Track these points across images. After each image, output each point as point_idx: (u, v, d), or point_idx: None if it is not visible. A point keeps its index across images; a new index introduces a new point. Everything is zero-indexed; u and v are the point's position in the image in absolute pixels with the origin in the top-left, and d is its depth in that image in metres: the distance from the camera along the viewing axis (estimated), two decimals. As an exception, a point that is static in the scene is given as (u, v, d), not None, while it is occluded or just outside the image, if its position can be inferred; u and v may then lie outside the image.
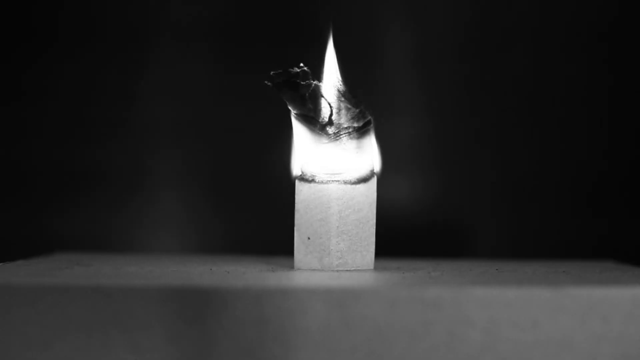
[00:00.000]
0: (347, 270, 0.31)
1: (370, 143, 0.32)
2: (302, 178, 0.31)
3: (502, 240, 0.47)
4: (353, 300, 0.25)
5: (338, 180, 0.31)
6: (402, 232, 0.46)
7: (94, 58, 0.46)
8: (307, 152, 0.31)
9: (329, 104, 0.31)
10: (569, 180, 0.47)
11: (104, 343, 0.25)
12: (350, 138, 0.31)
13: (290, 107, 0.31)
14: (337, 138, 0.31)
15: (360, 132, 0.31)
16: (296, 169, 0.32)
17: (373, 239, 0.32)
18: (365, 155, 0.31)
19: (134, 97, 0.47)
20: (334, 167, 0.31)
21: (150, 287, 0.25)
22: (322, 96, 0.31)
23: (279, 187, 0.47)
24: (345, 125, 0.31)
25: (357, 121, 0.31)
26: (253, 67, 0.47)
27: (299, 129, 0.32)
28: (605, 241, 0.47)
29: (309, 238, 0.31)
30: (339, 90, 0.31)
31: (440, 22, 0.47)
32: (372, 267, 0.32)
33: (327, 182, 0.31)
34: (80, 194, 0.46)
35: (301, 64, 0.31)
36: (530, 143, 0.47)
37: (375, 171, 0.32)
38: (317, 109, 0.31)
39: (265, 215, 0.47)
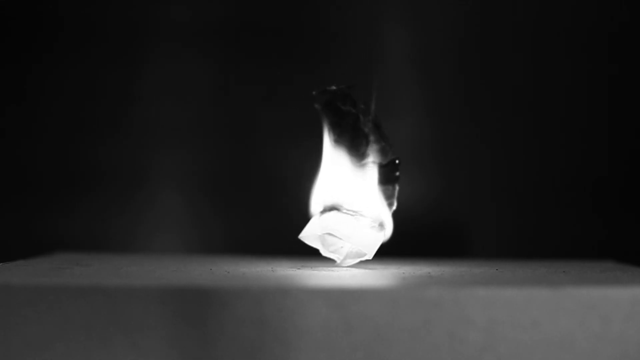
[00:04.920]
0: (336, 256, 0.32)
1: (392, 191, 0.32)
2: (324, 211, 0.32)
3: (502, 240, 0.47)
4: (353, 300, 0.25)
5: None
6: (402, 232, 0.46)
7: (94, 58, 0.46)
8: (333, 181, 0.32)
9: (366, 135, 0.31)
10: (570, 180, 0.47)
11: (104, 343, 0.25)
12: (376, 170, 0.32)
13: (329, 134, 0.32)
14: (366, 165, 0.32)
15: (384, 169, 0.32)
16: (318, 200, 0.32)
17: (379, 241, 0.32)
18: (382, 202, 0.32)
19: (134, 97, 0.47)
20: (354, 204, 0.32)
21: (150, 287, 0.25)
22: (361, 126, 0.31)
23: (279, 187, 0.47)
24: (371, 159, 0.32)
25: (382, 156, 0.32)
26: (253, 67, 0.47)
27: (332, 155, 0.32)
28: (606, 241, 0.47)
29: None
30: (371, 121, 0.32)
31: (441, 22, 0.47)
32: (370, 257, 0.32)
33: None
34: (80, 194, 0.46)
35: (342, 85, 0.31)
36: (530, 143, 0.47)
37: (384, 230, 0.32)
38: (355, 137, 0.32)
39: (266, 216, 0.47)
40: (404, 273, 0.30)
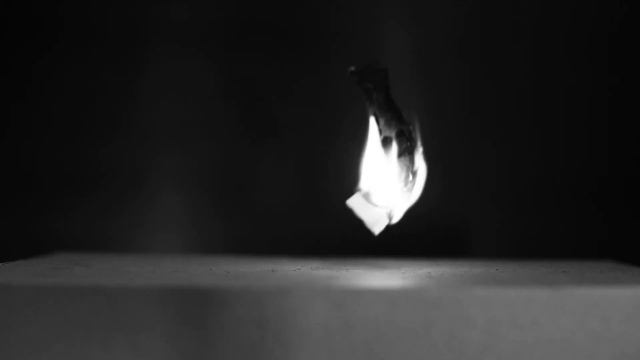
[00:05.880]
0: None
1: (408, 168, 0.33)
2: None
3: (502, 240, 0.47)
4: (353, 300, 0.25)
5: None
6: (402, 232, 0.46)
7: (94, 58, 0.46)
8: (370, 161, 0.33)
9: (380, 118, 0.32)
10: (570, 181, 0.47)
11: (104, 343, 0.25)
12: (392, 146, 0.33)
13: (370, 114, 0.33)
14: (387, 144, 0.32)
15: (397, 141, 0.32)
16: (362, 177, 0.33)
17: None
18: (398, 176, 0.33)
19: (134, 97, 0.47)
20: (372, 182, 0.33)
21: (150, 287, 0.25)
22: (375, 102, 0.32)
23: (279, 187, 0.47)
24: (386, 134, 0.32)
25: (390, 129, 0.32)
26: (253, 66, 0.47)
27: (373, 134, 0.33)
28: (606, 241, 0.47)
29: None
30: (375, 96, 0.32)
31: (441, 22, 0.47)
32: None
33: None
34: (80, 194, 0.46)
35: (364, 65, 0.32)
36: (531, 143, 0.47)
37: (391, 214, 0.33)
38: (383, 118, 0.32)
39: (266, 215, 0.47)
40: (404, 273, 0.30)
